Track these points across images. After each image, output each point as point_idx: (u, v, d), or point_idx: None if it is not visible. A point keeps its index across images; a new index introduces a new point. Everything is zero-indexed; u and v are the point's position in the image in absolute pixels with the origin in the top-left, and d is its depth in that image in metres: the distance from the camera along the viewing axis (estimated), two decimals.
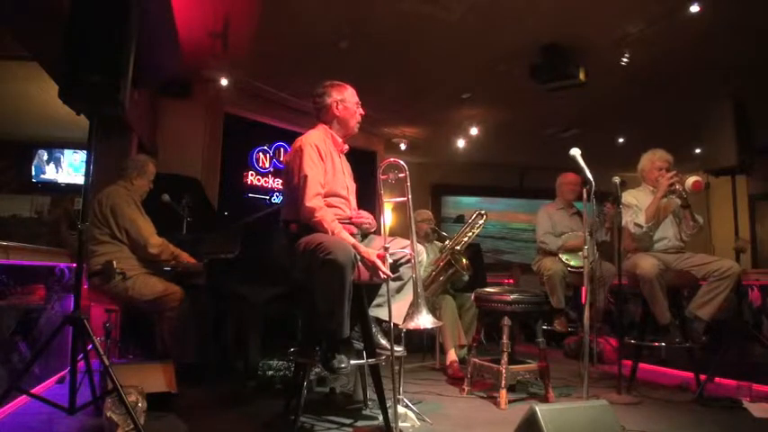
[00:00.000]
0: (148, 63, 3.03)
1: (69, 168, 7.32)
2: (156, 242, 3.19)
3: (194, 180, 4.74)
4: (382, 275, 2.36)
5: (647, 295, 3.34)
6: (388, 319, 2.37)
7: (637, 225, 3.45)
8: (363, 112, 2.75)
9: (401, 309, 2.41)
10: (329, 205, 2.51)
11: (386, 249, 2.34)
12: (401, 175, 2.57)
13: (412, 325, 2.28)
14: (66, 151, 7.23)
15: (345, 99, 2.67)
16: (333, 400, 3.09)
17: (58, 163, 7.28)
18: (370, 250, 2.39)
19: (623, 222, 3.44)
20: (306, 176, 2.43)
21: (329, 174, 2.55)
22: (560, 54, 4.63)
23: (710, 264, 3.30)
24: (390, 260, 2.39)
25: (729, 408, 2.95)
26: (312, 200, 2.40)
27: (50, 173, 7.25)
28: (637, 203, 3.52)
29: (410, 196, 2.48)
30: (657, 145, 3.75)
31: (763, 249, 7.80)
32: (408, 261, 2.53)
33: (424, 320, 2.27)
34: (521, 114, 6.42)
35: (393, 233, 2.67)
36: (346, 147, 2.75)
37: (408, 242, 2.62)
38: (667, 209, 3.51)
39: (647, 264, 3.31)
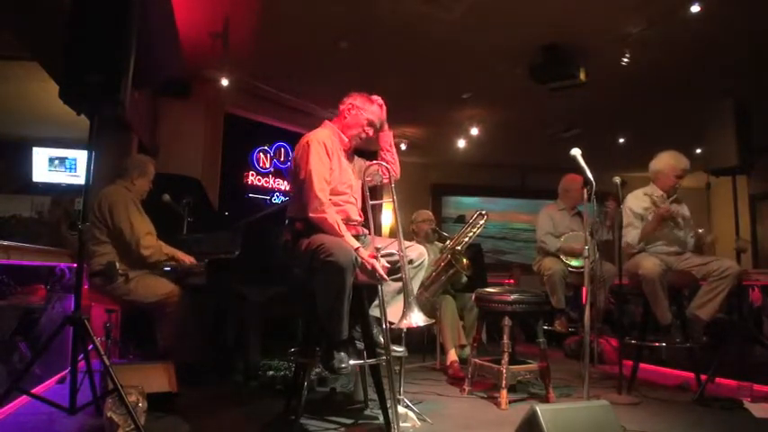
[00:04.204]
0: (149, 63, 3.01)
1: (69, 168, 7.32)
2: (147, 243, 3.14)
3: (195, 180, 4.74)
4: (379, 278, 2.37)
5: (649, 295, 3.34)
6: (386, 319, 2.37)
7: (629, 244, 3.49)
8: (370, 135, 2.72)
9: (402, 309, 2.41)
10: (335, 203, 2.53)
11: (377, 250, 2.36)
12: (385, 180, 2.61)
13: (404, 323, 2.29)
14: (67, 151, 7.23)
15: (361, 109, 2.67)
16: (333, 401, 3.09)
17: (58, 163, 7.28)
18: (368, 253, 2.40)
19: (624, 225, 3.45)
20: (312, 171, 2.44)
21: (335, 171, 2.56)
22: (560, 54, 4.63)
23: (710, 264, 3.30)
24: (384, 261, 2.39)
25: (730, 408, 2.94)
26: (319, 194, 2.42)
27: (50, 173, 7.25)
28: (642, 213, 3.51)
29: (395, 197, 2.50)
30: (657, 145, 3.75)
31: (763, 249, 7.80)
32: (410, 263, 2.54)
33: (416, 318, 2.28)
34: (521, 114, 6.42)
35: (394, 233, 2.68)
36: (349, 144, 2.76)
37: (410, 244, 2.64)
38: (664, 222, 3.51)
39: (649, 264, 3.32)
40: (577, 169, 2.87)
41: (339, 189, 2.58)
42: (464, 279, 4.21)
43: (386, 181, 2.65)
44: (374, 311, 2.57)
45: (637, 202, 3.57)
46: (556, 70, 4.70)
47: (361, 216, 2.69)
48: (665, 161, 3.62)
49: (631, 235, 3.50)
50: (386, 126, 2.77)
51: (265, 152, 6.79)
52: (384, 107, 2.73)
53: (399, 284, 2.58)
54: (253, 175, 6.65)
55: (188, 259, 3.35)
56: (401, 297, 2.55)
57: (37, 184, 7.14)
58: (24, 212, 6.49)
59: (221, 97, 5.55)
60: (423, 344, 4.53)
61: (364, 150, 2.91)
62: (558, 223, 4.26)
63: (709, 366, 3.20)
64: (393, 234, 2.88)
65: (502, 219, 9.19)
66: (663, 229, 3.49)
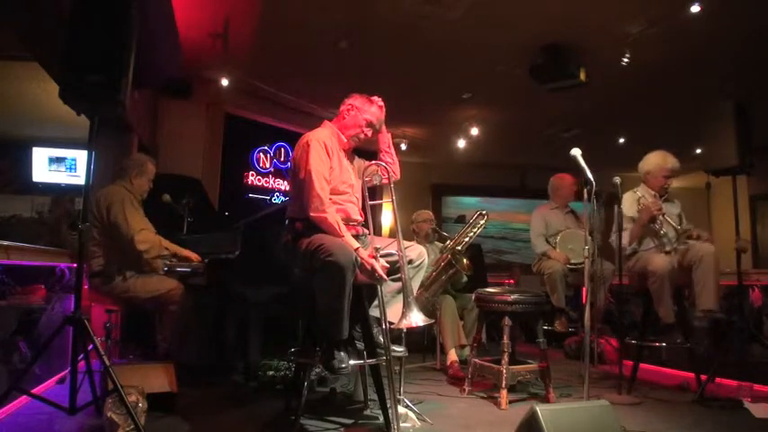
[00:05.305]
0: (149, 63, 3.02)
1: (69, 168, 7.32)
2: (143, 238, 3.09)
3: (195, 180, 4.74)
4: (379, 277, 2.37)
5: (655, 292, 3.32)
6: (386, 319, 2.38)
7: (623, 246, 3.51)
8: (369, 135, 2.72)
9: (402, 309, 2.42)
10: (335, 203, 2.53)
11: (376, 250, 2.36)
12: (384, 180, 2.61)
13: (404, 323, 2.30)
14: (67, 151, 7.23)
15: (361, 109, 2.67)
16: (333, 401, 3.08)
17: (58, 163, 7.28)
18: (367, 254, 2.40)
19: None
20: (312, 170, 2.44)
21: (336, 171, 2.57)
22: (560, 54, 4.63)
23: (687, 254, 3.35)
24: (383, 261, 2.39)
25: (730, 408, 2.94)
26: (320, 193, 2.42)
27: (50, 173, 7.25)
28: (634, 216, 3.52)
29: (394, 197, 2.51)
30: (658, 145, 3.74)
31: (763, 249, 7.81)
32: (409, 263, 2.54)
33: (416, 318, 2.29)
34: (521, 114, 6.42)
35: (394, 233, 2.69)
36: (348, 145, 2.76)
37: (410, 244, 2.64)
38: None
39: (659, 260, 3.32)
40: (572, 169, 2.87)
41: (340, 188, 2.58)
42: (464, 279, 4.21)
43: (385, 181, 2.65)
44: (374, 311, 2.57)
45: (628, 205, 3.58)
46: (556, 70, 4.70)
47: (361, 216, 2.70)
48: (653, 161, 3.65)
49: (623, 237, 3.50)
50: (384, 127, 2.78)
51: (265, 152, 6.79)
52: (383, 108, 2.73)
53: (399, 284, 2.58)
54: (253, 175, 6.65)
55: (194, 257, 3.34)
56: (401, 297, 2.56)
57: (37, 184, 7.14)
58: (24, 212, 6.48)
59: (221, 97, 5.56)
60: (423, 344, 4.53)
61: (364, 150, 2.91)
62: (553, 222, 4.27)
63: (709, 366, 3.20)
64: (393, 234, 2.88)
65: (502, 219, 9.19)
66: (655, 228, 3.49)
